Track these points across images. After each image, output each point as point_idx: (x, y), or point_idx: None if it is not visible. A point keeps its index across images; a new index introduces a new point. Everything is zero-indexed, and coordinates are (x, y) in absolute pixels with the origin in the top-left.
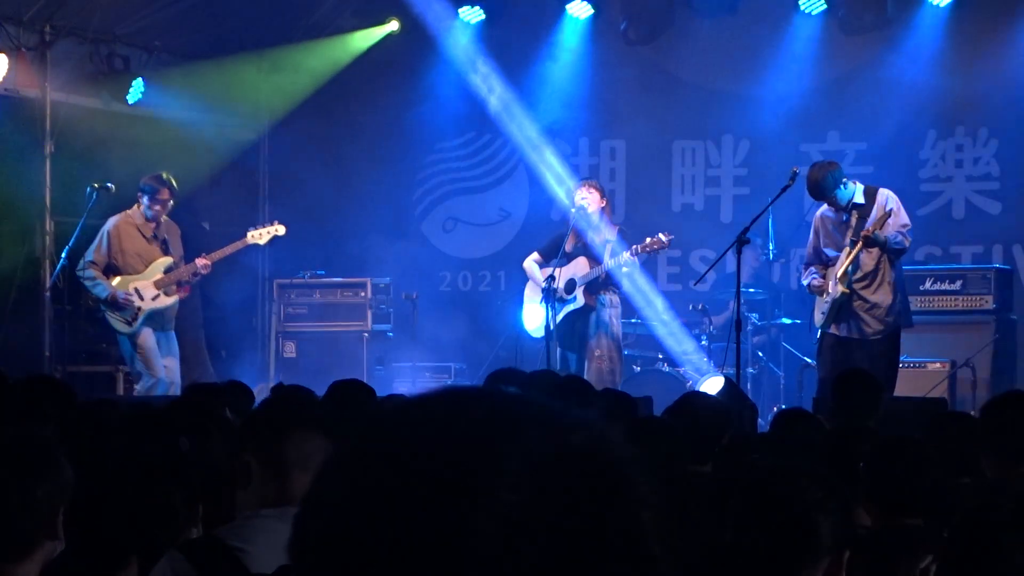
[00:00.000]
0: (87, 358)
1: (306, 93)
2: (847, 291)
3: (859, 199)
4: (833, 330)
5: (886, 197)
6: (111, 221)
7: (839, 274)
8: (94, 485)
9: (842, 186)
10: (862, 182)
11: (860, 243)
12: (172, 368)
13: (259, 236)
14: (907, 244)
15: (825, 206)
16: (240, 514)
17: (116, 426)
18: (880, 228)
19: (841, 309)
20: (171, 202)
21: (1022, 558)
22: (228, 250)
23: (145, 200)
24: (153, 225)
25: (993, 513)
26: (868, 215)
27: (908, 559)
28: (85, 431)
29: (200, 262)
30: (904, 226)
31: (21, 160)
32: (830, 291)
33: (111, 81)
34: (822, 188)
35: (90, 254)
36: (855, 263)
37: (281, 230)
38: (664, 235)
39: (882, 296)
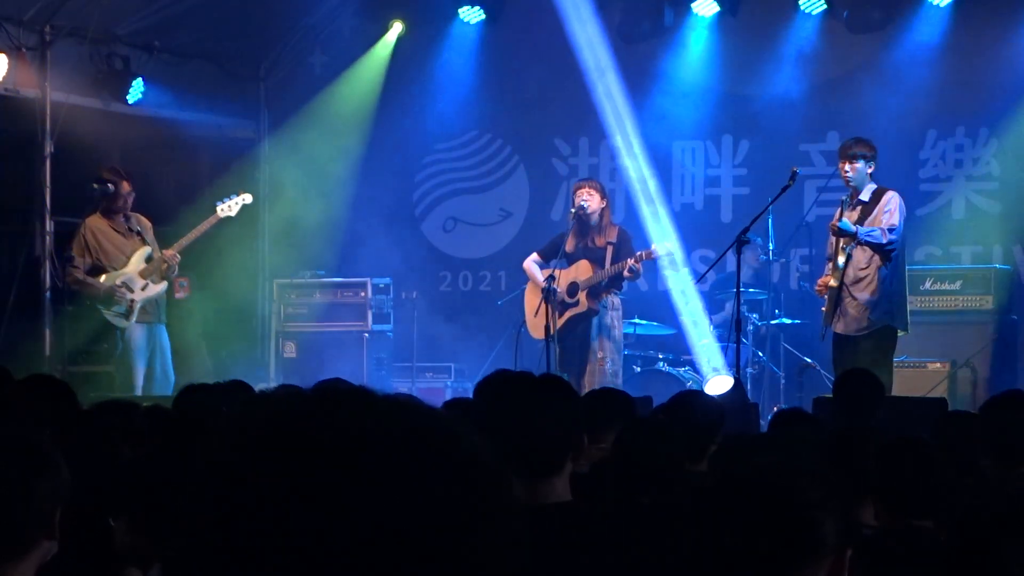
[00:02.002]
0: (87, 358)
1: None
2: (835, 285)
3: (865, 197)
4: (834, 327)
5: (888, 199)
6: (85, 223)
7: (831, 268)
8: (94, 486)
9: (868, 166)
10: None
11: (831, 234)
12: (162, 360)
13: (229, 208)
14: (884, 241)
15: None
16: None
17: (116, 426)
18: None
19: (835, 304)
20: (132, 193)
21: (1022, 558)
22: (199, 231)
23: (106, 196)
24: (121, 217)
25: (993, 513)
26: (870, 214)
27: (918, 562)
28: (85, 431)
29: (168, 253)
30: (890, 227)
31: (21, 160)
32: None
33: (111, 81)
34: (851, 151)
35: (73, 259)
36: (847, 257)
37: (248, 198)
38: (659, 246)
39: (866, 294)
